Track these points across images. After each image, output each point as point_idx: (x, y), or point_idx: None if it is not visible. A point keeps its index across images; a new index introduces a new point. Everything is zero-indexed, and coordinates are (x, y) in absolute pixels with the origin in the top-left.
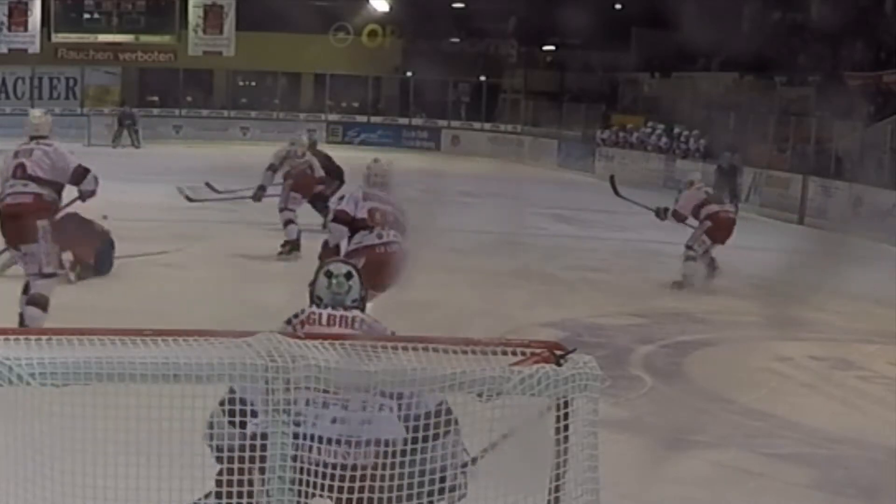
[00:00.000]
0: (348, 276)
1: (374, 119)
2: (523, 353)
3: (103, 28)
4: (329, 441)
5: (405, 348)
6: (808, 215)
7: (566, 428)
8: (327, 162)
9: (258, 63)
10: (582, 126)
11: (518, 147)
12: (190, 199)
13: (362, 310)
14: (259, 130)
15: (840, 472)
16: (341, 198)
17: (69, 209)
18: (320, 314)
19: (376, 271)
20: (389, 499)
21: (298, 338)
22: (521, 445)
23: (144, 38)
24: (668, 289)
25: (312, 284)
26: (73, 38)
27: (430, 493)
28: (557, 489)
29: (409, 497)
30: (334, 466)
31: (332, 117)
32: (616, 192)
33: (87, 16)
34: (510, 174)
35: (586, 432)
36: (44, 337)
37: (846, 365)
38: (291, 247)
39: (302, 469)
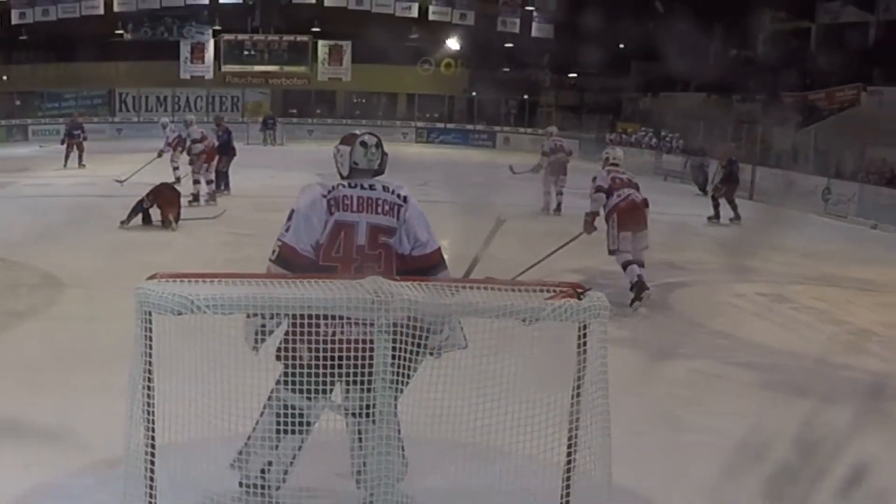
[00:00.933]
0: (377, 145)
1: (448, 125)
2: (554, 291)
3: (257, 61)
4: (348, 322)
5: (472, 287)
6: (756, 194)
7: (584, 344)
8: (227, 137)
9: (367, 86)
10: (595, 130)
11: None
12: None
13: (382, 172)
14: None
15: (779, 376)
16: (594, 178)
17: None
18: (352, 198)
19: (629, 215)
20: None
21: (394, 280)
22: (552, 359)
23: (287, 68)
24: (658, 242)
25: (350, 152)
26: (236, 68)
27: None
28: (579, 387)
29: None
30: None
31: (420, 124)
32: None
33: (246, 52)
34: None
35: (599, 347)
36: (215, 279)
37: (783, 299)
38: (204, 200)
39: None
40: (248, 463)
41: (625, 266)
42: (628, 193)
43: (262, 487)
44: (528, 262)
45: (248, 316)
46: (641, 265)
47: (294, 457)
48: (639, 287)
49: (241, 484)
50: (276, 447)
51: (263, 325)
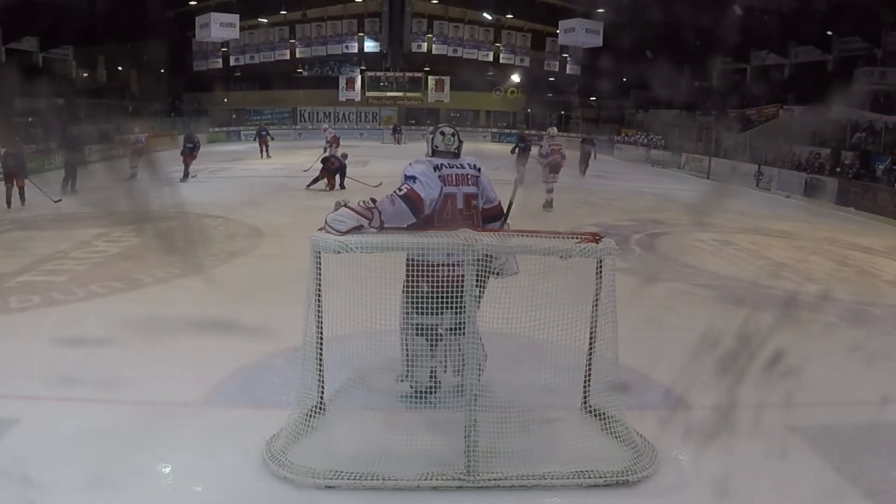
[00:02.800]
0: (453, 134)
1: (512, 130)
2: (581, 238)
3: (389, 89)
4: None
5: (526, 235)
6: (712, 175)
7: (600, 271)
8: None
9: (460, 105)
10: (608, 133)
11: (578, 143)
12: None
13: (459, 154)
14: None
15: (726, 292)
16: (541, 147)
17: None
18: (452, 175)
19: (556, 168)
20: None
21: (483, 231)
22: (580, 281)
23: (408, 94)
24: (647, 206)
25: (432, 139)
26: (375, 94)
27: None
28: (596, 300)
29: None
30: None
31: (493, 130)
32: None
33: (381, 84)
34: (576, 156)
35: (609, 273)
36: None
37: (728, 243)
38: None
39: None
40: (414, 375)
41: (547, 192)
42: (556, 157)
43: (430, 389)
44: (562, 219)
45: (349, 208)
46: (552, 191)
47: (444, 362)
48: (546, 203)
49: (411, 387)
50: (433, 357)
51: (361, 227)
